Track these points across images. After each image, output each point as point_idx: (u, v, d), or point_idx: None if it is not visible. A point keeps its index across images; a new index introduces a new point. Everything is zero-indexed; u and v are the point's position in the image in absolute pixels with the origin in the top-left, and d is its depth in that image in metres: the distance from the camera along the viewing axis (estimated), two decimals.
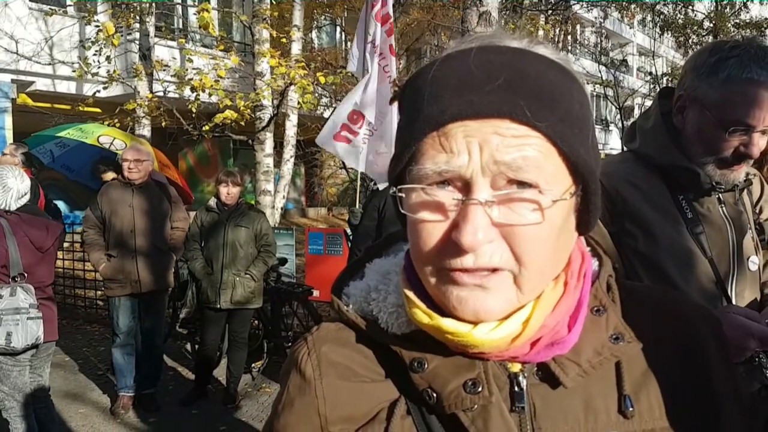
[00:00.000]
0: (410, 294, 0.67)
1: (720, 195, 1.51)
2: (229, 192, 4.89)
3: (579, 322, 0.66)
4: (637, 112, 22.82)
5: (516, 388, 0.66)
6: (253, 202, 8.71)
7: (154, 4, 10.38)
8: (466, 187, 0.60)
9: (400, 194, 0.65)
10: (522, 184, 0.60)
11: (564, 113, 0.61)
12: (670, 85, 18.54)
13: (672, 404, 0.67)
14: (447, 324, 0.63)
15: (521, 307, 0.63)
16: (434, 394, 0.65)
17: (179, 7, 12.91)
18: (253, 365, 5.78)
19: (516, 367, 0.67)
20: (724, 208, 1.52)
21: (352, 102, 5.50)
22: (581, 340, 0.67)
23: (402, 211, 0.65)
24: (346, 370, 0.70)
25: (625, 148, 1.69)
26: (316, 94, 10.49)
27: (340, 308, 0.74)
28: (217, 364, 5.40)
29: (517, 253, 0.60)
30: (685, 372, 0.69)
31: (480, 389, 0.63)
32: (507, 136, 0.59)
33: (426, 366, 0.66)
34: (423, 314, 0.65)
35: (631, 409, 0.65)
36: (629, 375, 0.67)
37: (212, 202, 5.00)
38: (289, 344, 5.83)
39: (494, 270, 0.60)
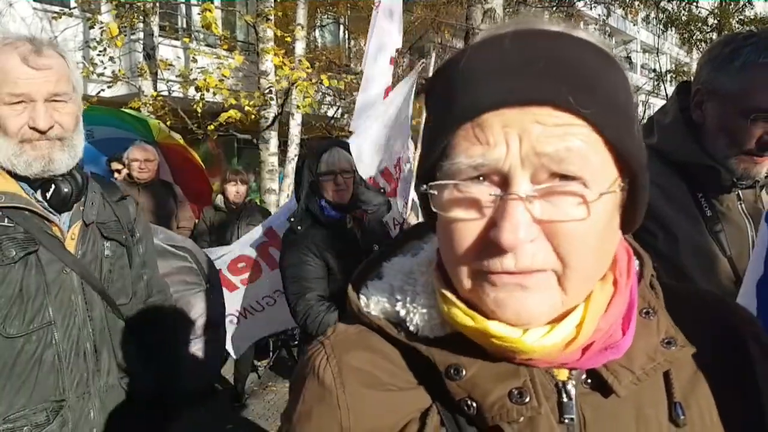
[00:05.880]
0: (449, 294, 0.62)
1: (740, 192, 1.49)
2: (238, 191, 4.92)
3: (632, 323, 0.62)
4: (641, 109, 22.78)
5: (564, 398, 0.61)
6: (258, 201, 8.72)
7: (157, 4, 10.38)
8: (503, 181, 0.56)
9: (432, 192, 0.60)
10: (565, 177, 0.55)
11: (609, 100, 0.56)
12: (673, 82, 18.47)
13: (721, 409, 0.64)
14: (495, 328, 0.57)
15: (572, 309, 0.58)
16: (474, 404, 0.59)
17: (183, 7, 12.90)
18: (259, 363, 5.78)
19: (563, 375, 0.62)
20: (743, 206, 1.50)
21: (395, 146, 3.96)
22: (633, 344, 0.62)
23: (434, 210, 0.60)
24: (370, 377, 0.64)
25: None
26: (320, 93, 10.49)
27: (360, 309, 0.69)
28: (224, 363, 5.40)
29: (560, 253, 0.56)
30: (730, 375, 0.65)
31: (527, 399, 0.58)
32: (549, 125, 0.54)
33: (464, 373, 0.60)
34: (465, 316, 0.59)
35: (682, 417, 0.62)
36: (677, 381, 0.64)
37: (219, 200, 5.02)
38: (295, 343, 5.83)
39: (537, 271, 0.56)
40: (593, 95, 0.55)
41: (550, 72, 0.55)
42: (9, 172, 1.55)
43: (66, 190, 1.57)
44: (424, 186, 0.61)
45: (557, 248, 0.56)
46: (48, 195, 1.57)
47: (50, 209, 1.58)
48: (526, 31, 0.58)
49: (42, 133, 1.51)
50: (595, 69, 0.57)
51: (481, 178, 0.57)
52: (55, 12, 10.37)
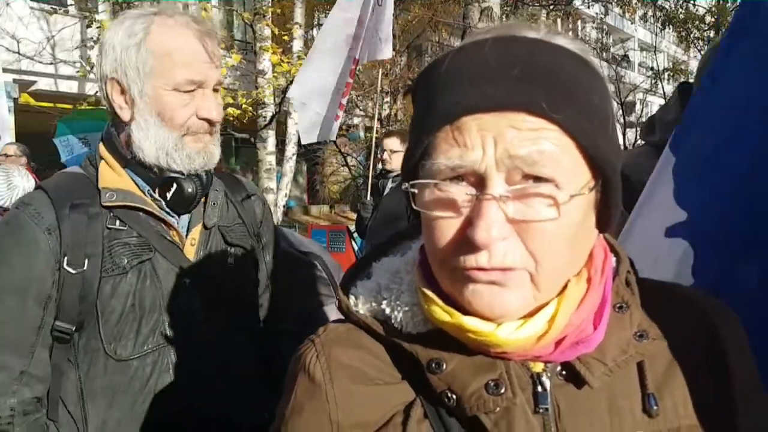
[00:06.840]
0: (428, 291, 0.65)
1: None
2: None
3: (604, 319, 0.65)
4: (638, 108, 22.82)
5: (539, 389, 0.64)
6: None
7: (155, 3, 10.39)
8: (480, 182, 0.59)
9: (413, 190, 0.63)
10: (538, 179, 0.58)
11: (582, 105, 0.59)
12: (671, 80, 18.50)
13: (695, 401, 0.66)
14: (469, 322, 0.61)
15: (545, 305, 0.61)
16: (454, 396, 0.62)
17: (180, 6, 12.92)
18: None
19: (538, 367, 0.65)
20: None
21: (340, 73, 5.25)
22: (606, 338, 0.65)
23: (415, 208, 0.64)
24: (358, 372, 0.67)
25: (641, 142, 1.68)
26: None
27: (349, 308, 0.72)
28: None
29: (532, 251, 0.59)
30: (706, 368, 0.67)
31: (503, 390, 0.61)
32: (523, 129, 0.57)
33: (444, 367, 0.63)
34: (443, 312, 0.63)
35: (655, 407, 0.64)
36: (651, 373, 0.66)
37: None
38: None
39: (509, 269, 0.59)
40: (568, 100, 0.58)
41: (525, 78, 0.57)
42: (126, 166, 1.34)
43: (190, 189, 1.33)
44: (407, 184, 0.64)
45: (530, 247, 0.59)
46: (168, 195, 1.33)
47: (168, 210, 1.36)
48: (505, 38, 0.61)
49: (212, 125, 1.34)
50: (571, 74, 0.60)
51: (459, 179, 0.60)
52: (54, 9, 10.36)
